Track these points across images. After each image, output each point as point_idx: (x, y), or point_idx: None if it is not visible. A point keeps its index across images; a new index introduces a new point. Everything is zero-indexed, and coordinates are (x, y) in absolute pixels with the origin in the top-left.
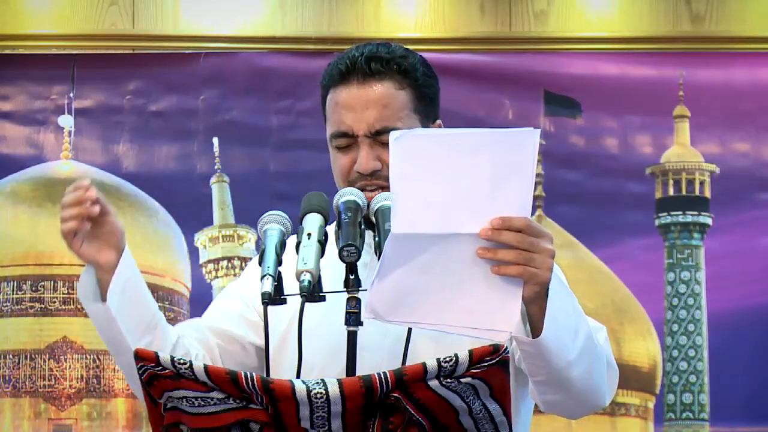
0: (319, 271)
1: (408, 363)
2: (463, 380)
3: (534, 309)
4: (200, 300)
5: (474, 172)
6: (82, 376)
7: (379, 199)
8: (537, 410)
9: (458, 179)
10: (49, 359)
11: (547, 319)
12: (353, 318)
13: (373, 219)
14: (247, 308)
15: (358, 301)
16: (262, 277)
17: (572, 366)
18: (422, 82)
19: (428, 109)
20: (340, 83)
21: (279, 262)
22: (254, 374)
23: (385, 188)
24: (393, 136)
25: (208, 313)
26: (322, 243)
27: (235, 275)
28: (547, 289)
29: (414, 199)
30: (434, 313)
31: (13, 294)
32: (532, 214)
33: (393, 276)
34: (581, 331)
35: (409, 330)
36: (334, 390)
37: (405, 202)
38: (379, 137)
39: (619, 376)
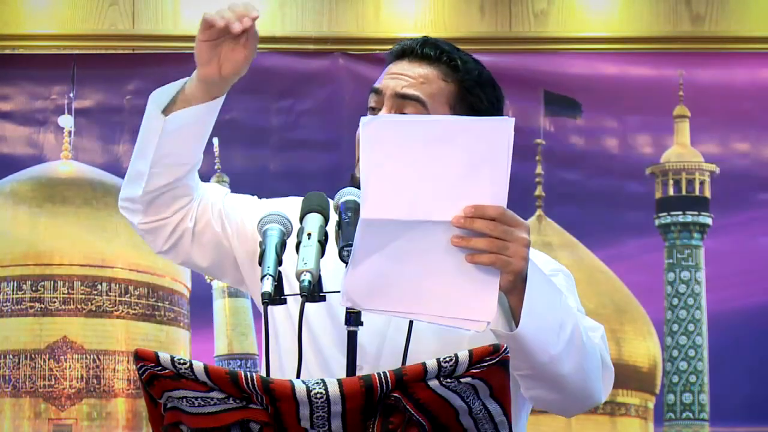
0: (319, 271)
1: (408, 363)
2: (463, 380)
3: (514, 301)
4: (200, 300)
5: (447, 160)
6: (82, 376)
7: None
8: (537, 410)
9: (430, 166)
10: (49, 359)
11: (524, 312)
12: (353, 318)
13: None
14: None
15: None
16: (263, 277)
17: (559, 361)
18: (470, 86)
19: (468, 115)
20: (393, 61)
21: (279, 262)
22: (254, 374)
23: None
24: (363, 121)
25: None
26: (322, 243)
27: None
28: (525, 280)
29: (384, 185)
30: (411, 302)
31: (13, 294)
32: (533, 213)
33: (367, 263)
34: (567, 326)
35: (410, 330)
36: (334, 390)
37: (375, 187)
38: (404, 101)
39: (619, 376)
